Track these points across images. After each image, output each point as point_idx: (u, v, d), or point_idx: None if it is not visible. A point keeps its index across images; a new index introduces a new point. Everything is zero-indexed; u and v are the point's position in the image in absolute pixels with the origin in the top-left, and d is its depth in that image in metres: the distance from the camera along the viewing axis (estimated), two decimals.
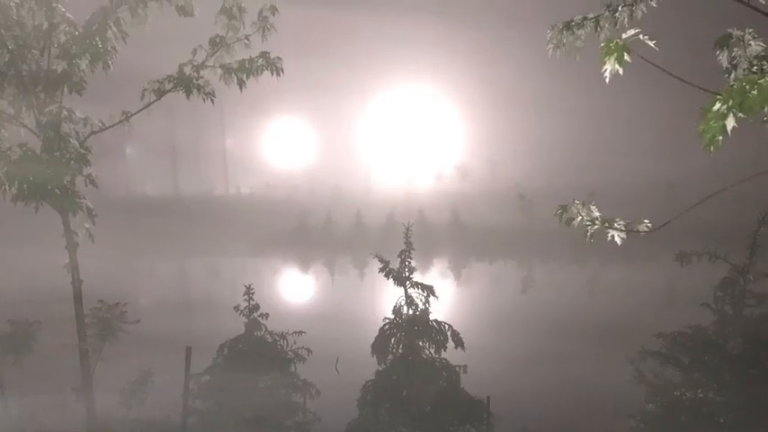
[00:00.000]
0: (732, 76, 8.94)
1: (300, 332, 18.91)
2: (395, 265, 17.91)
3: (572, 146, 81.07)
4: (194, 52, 17.27)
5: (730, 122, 6.26)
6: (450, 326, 17.74)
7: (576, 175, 77.70)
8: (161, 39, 19.01)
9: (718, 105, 6.32)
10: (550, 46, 10.23)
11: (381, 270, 17.90)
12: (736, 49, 9.02)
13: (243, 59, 17.16)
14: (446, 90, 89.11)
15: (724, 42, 9.09)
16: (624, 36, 7.51)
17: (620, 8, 9.64)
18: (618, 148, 79.10)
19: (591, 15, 9.91)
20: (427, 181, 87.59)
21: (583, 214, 9.59)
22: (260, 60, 17.14)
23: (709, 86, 7.79)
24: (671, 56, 8.84)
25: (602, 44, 7.66)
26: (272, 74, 17.20)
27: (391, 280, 17.83)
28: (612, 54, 7.50)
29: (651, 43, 7.55)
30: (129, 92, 17.77)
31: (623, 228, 9.32)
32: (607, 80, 7.82)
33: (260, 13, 17.12)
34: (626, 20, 9.56)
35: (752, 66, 8.74)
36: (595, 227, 9.44)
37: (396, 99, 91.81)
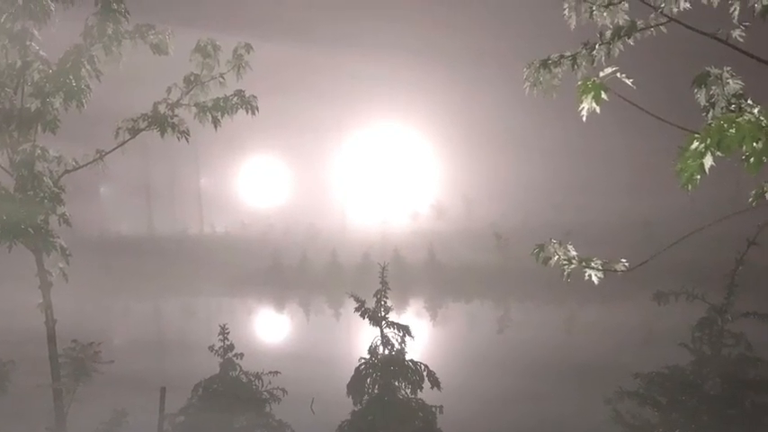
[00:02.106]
0: (710, 114, 8.94)
1: (276, 372, 18.80)
2: (370, 304, 17.85)
3: (548, 184, 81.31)
4: (169, 91, 17.24)
5: (708, 161, 6.24)
6: (426, 366, 17.68)
7: (552, 213, 77.89)
8: (135, 77, 18.97)
9: (695, 144, 6.30)
10: (527, 84, 10.23)
11: (357, 310, 17.83)
12: (714, 88, 9.02)
13: (217, 98, 17.13)
14: (422, 128, 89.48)
15: (702, 80, 9.09)
16: (601, 74, 7.49)
17: (597, 46, 9.66)
18: (595, 186, 79.32)
19: (568, 53, 9.92)
20: (403, 220, 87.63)
21: (560, 253, 9.56)
22: (235, 99, 17.11)
23: (686, 125, 7.79)
24: (648, 94, 8.84)
25: (580, 82, 7.64)
26: (247, 112, 17.17)
27: (367, 320, 17.77)
28: (590, 92, 7.49)
29: (628, 81, 7.54)
30: (103, 130, 17.71)
31: (600, 267, 9.29)
32: (584, 119, 7.80)
33: (235, 51, 17.14)
34: (603, 58, 9.57)
35: (730, 104, 8.75)
36: (572, 266, 9.41)
37: (371, 137, 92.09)
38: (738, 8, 8.59)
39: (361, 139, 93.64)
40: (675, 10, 9.04)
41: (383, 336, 17.79)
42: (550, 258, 9.57)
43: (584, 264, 9.34)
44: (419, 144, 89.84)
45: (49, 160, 16.95)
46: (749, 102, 8.50)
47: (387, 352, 17.76)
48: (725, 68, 9.08)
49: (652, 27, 9.42)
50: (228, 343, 18.66)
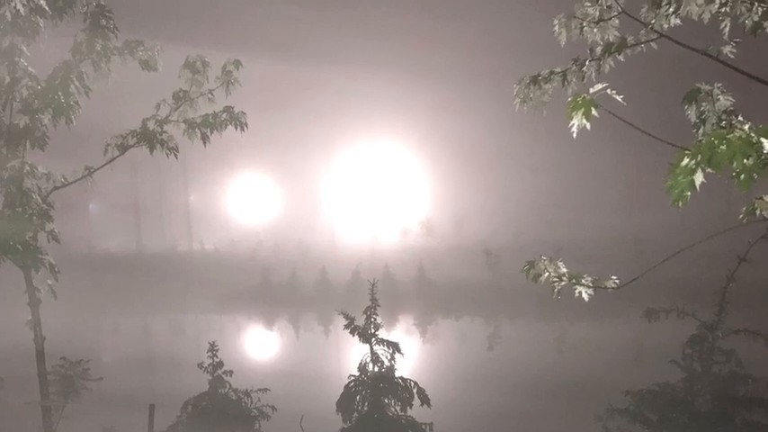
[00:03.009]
0: (701, 131, 8.93)
1: (265, 389, 18.79)
2: (360, 321, 17.81)
3: (539, 201, 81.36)
4: (158, 107, 17.22)
5: (699, 178, 6.23)
6: (416, 383, 17.63)
7: (543, 230, 77.90)
8: (124, 94, 18.96)
9: (686, 161, 6.29)
10: (517, 100, 10.21)
11: (346, 327, 17.79)
12: (704, 104, 9.01)
13: (206, 114, 17.11)
14: (411, 144, 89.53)
15: (692, 97, 9.08)
16: (591, 90, 7.48)
17: (587, 62, 9.64)
18: (586, 203, 79.38)
19: (558, 69, 9.90)
20: (393, 237, 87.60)
21: (550, 270, 9.53)
22: (224, 115, 17.09)
23: (677, 141, 7.77)
24: (639, 110, 8.84)
25: (570, 99, 7.63)
26: (236, 128, 17.14)
27: (356, 337, 17.73)
28: (579, 109, 7.47)
29: (619, 98, 7.52)
30: (92, 147, 17.68)
31: (590, 284, 9.26)
32: (574, 135, 7.78)
33: (224, 67, 17.12)
34: (593, 74, 9.55)
35: (721, 121, 8.74)
36: (563, 283, 9.38)
37: (360, 153, 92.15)
38: (729, 24, 8.59)
39: (351, 156, 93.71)
40: (666, 26, 9.03)
41: (373, 353, 17.74)
42: (540, 275, 9.54)
43: (574, 281, 9.32)
44: (408, 160, 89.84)
45: (38, 177, 16.91)
46: (740, 118, 8.49)
47: (376, 369, 17.70)
48: (715, 85, 9.07)
49: (642, 43, 9.41)
50: (218, 360, 18.63)
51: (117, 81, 17.05)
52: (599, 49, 9.62)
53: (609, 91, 7.48)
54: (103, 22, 16.63)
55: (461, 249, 75.68)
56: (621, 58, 9.56)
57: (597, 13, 9.59)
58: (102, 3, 16.72)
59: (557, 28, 9.86)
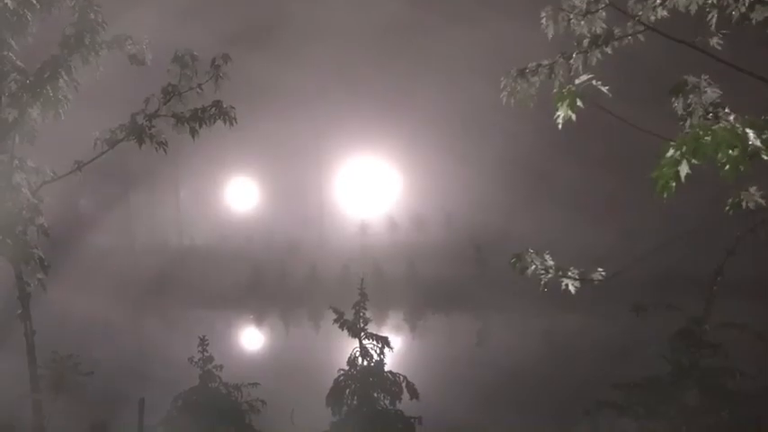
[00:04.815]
0: (687, 123, 8.95)
1: (255, 384, 18.79)
2: (350, 316, 17.84)
3: (528, 195, 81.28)
4: (147, 101, 17.20)
5: (684, 169, 6.25)
6: (405, 377, 17.69)
7: (532, 224, 77.80)
8: (113, 87, 18.96)
9: (671, 152, 6.30)
10: (504, 93, 10.23)
11: (336, 321, 17.83)
12: (691, 96, 9.03)
13: (195, 108, 17.09)
14: (401, 139, 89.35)
15: (679, 89, 9.11)
16: (577, 82, 7.49)
17: (574, 55, 9.66)
18: (576, 196, 79.27)
19: (545, 62, 9.92)
20: (382, 232, 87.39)
21: (537, 263, 9.57)
22: (213, 109, 17.08)
23: (665, 134, 7.80)
24: (627, 102, 8.85)
25: (555, 90, 7.65)
26: (225, 123, 17.13)
27: (346, 331, 17.76)
28: (565, 100, 7.48)
29: (604, 89, 7.54)
30: (82, 141, 17.66)
31: (577, 277, 9.30)
32: (560, 126, 7.80)
33: (213, 61, 17.11)
34: (580, 67, 9.57)
35: (707, 113, 8.76)
36: (549, 276, 9.42)
37: (351, 148, 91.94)
38: (716, 16, 8.62)
39: (340, 150, 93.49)
40: (653, 18, 9.05)
41: (362, 347, 17.78)
42: (527, 268, 9.58)
43: (560, 273, 9.35)
44: (398, 155, 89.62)
45: (28, 171, 16.91)
46: (726, 110, 8.52)
47: (366, 363, 17.74)
48: (702, 77, 9.10)
49: (629, 35, 9.43)
50: (208, 355, 18.62)
51: (106, 75, 17.07)
52: (586, 42, 9.65)
53: (594, 82, 7.49)
54: (92, 15, 16.62)
55: (451, 244, 75.49)
56: (609, 50, 9.60)
57: (584, 6, 9.61)
58: None
59: (544, 20, 9.87)
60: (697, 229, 9.04)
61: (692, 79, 9.07)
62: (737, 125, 6.15)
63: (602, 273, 9.28)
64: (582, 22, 9.53)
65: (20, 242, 16.25)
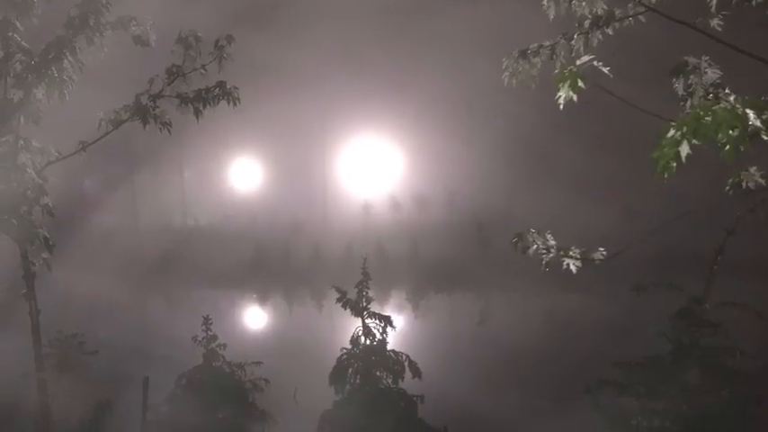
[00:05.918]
0: (688, 103, 8.98)
1: (258, 362, 18.89)
2: (353, 296, 17.90)
3: (531, 175, 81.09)
4: (151, 82, 17.21)
5: (684, 149, 6.29)
6: (407, 356, 17.77)
7: (535, 204, 77.64)
8: (117, 68, 18.97)
9: (672, 132, 6.35)
10: (506, 74, 10.26)
11: (339, 300, 17.90)
12: (692, 77, 9.06)
13: (199, 89, 17.10)
14: (404, 119, 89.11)
15: (680, 70, 9.14)
16: (578, 63, 7.52)
17: (575, 36, 9.69)
18: (578, 176, 79.05)
19: (547, 43, 9.95)
20: (385, 212, 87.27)
21: (538, 242, 9.62)
22: (216, 90, 17.09)
23: (666, 114, 7.84)
24: (628, 83, 8.89)
25: (556, 71, 7.69)
26: (229, 103, 17.15)
27: (349, 311, 17.83)
28: (566, 81, 7.52)
29: (605, 70, 7.57)
30: (86, 121, 17.69)
31: (578, 256, 9.35)
32: (561, 107, 7.84)
33: (216, 42, 17.12)
34: (582, 48, 9.60)
35: (708, 93, 8.80)
36: (551, 255, 9.47)
37: (354, 129, 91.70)
38: None
39: (345, 131, 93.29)
40: None
41: (365, 326, 17.86)
42: (529, 248, 9.63)
43: (562, 253, 9.41)
44: (401, 135, 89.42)
45: (33, 151, 16.95)
46: (727, 91, 8.56)
47: (368, 342, 17.82)
48: (703, 58, 9.13)
49: (630, 17, 9.46)
50: (212, 334, 18.71)
51: (110, 56, 17.09)
52: (587, 23, 9.67)
53: (595, 63, 7.52)
54: None
55: (453, 224, 75.37)
56: (610, 31, 9.62)
57: None
58: None
59: (546, 1, 9.89)
60: (697, 209, 9.08)
61: (692, 60, 9.10)
62: (738, 105, 6.19)
63: (604, 252, 9.33)
64: (583, 3, 9.55)
65: (25, 222, 16.30)
